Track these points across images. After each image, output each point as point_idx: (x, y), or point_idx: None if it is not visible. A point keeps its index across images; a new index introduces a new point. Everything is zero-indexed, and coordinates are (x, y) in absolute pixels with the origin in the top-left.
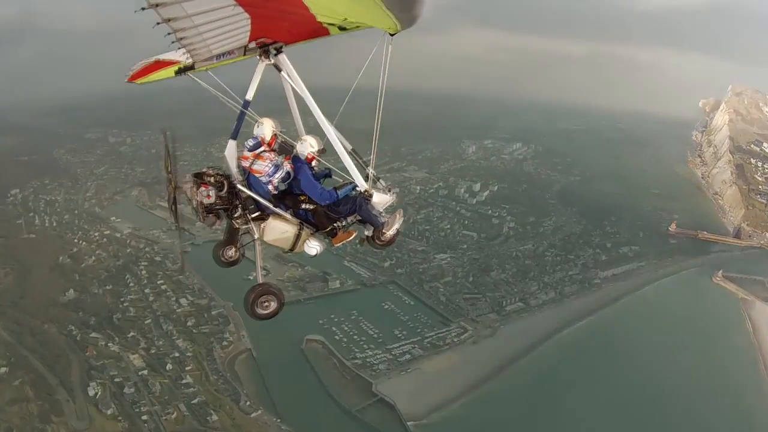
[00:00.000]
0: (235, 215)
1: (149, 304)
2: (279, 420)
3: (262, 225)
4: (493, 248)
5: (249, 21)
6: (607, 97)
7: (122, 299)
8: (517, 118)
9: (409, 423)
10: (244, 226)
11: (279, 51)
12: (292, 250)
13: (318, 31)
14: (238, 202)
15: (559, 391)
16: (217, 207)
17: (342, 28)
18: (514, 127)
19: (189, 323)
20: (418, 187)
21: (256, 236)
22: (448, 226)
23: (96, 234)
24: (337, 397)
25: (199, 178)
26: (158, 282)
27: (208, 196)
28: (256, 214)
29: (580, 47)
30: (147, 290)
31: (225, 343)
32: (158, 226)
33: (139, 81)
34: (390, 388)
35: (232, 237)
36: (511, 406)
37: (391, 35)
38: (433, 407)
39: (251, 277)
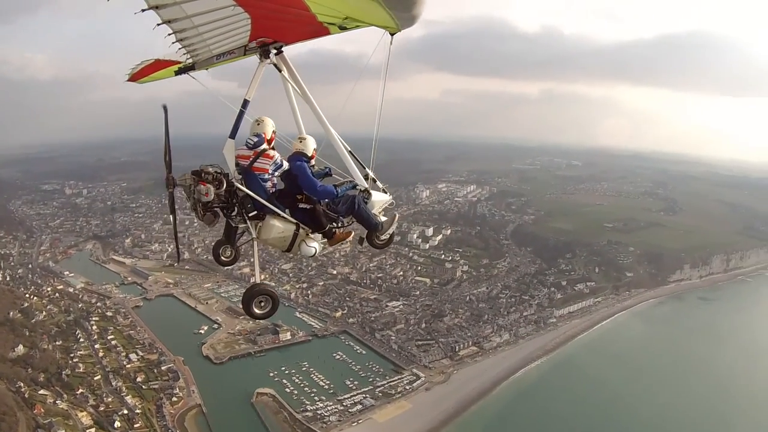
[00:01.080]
0: (233, 214)
1: (99, 359)
2: None
3: (259, 224)
4: (446, 293)
5: (249, 21)
6: (562, 134)
7: (72, 355)
8: (473, 160)
9: None
10: (241, 225)
11: (279, 51)
12: (289, 250)
13: (318, 30)
14: (235, 201)
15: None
16: (216, 205)
17: (342, 28)
18: (468, 169)
19: (139, 379)
20: None
21: (254, 235)
22: (401, 273)
23: (49, 288)
24: None
25: (198, 176)
26: (108, 337)
27: (207, 194)
28: (254, 213)
29: (534, 88)
30: (97, 345)
31: (175, 399)
32: (111, 280)
33: (140, 81)
34: None
35: (229, 236)
36: None
37: (392, 35)
38: None
39: (202, 332)
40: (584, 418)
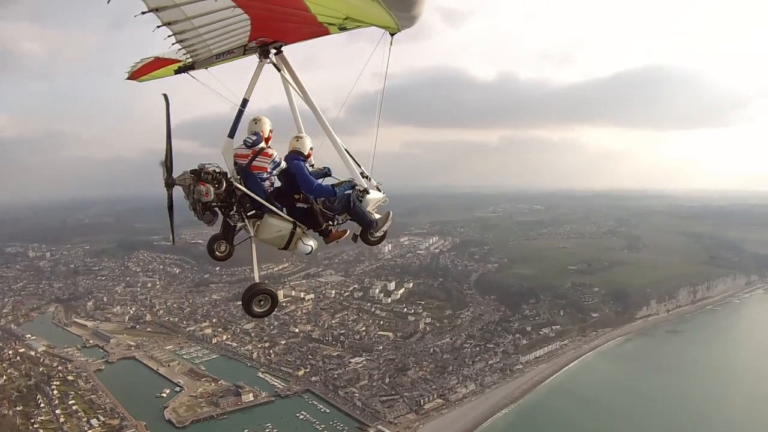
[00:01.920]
0: (231, 213)
1: (60, 425)
2: None
3: (257, 223)
4: (410, 346)
5: (249, 22)
6: (523, 179)
7: (32, 420)
8: (434, 211)
9: None
10: (240, 224)
11: (279, 51)
12: (286, 248)
13: (318, 30)
14: (234, 200)
15: None
16: (215, 205)
17: (342, 28)
18: (430, 220)
19: None
20: (333, 291)
21: (252, 234)
22: (363, 328)
23: (10, 352)
24: None
25: (197, 176)
26: (70, 402)
27: (207, 194)
28: (252, 212)
29: (494, 135)
30: (58, 411)
31: None
32: (73, 343)
33: (139, 79)
34: None
35: (226, 232)
36: None
37: (392, 35)
38: None
39: (164, 395)
40: None
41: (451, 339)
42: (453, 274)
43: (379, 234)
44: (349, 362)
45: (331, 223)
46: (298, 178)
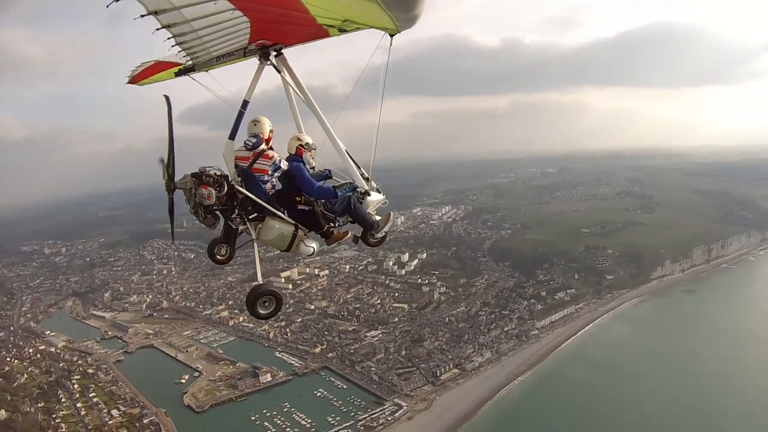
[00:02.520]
0: (233, 216)
1: (81, 418)
2: None
3: (258, 225)
4: (425, 317)
5: (248, 24)
6: (535, 144)
7: (54, 416)
8: (446, 180)
9: None
10: (241, 227)
11: (279, 53)
12: (288, 249)
13: (318, 33)
14: (236, 203)
15: None
16: (216, 208)
17: (342, 30)
18: (443, 190)
19: None
20: (348, 266)
21: (254, 236)
22: (378, 302)
23: (30, 350)
24: None
25: (199, 179)
26: (90, 395)
27: (208, 197)
28: (254, 215)
29: (503, 101)
30: (79, 404)
31: None
32: (92, 336)
33: (140, 83)
34: None
35: (227, 236)
36: None
37: (392, 36)
38: None
39: (183, 381)
40: (574, 427)
41: (466, 307)
42: (466, 242)
43: (380, 235)
44: (365, 336)
45: (332, 224)
46: (299, 180)
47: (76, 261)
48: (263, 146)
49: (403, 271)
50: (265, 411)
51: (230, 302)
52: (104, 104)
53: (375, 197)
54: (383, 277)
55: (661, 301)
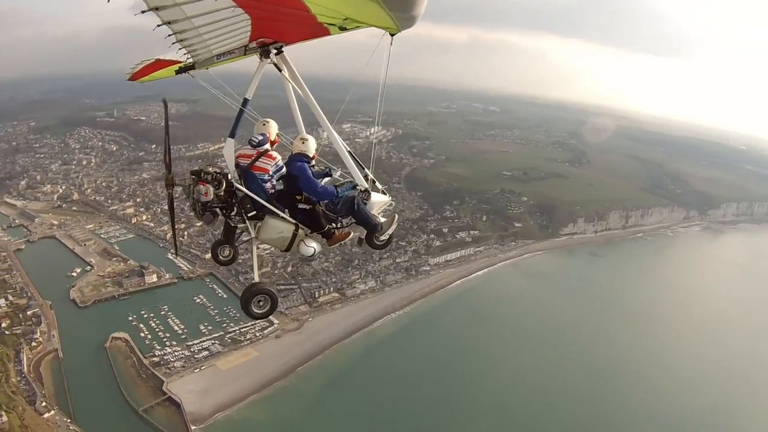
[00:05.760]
0: (232, 214)
1: None
2: (69, 420)
3: (258, 224)
4: None
5: (249, 22)
6: (488, 81)
7: None
8: (386, 101)
9: (193, 427)
10: (240, 225)
11: (279, 51)
12: (288, 249)
13: (318, 31)
14: (235, 201)
15: (357, 388)
16: (215, 205)
17: (342, 29)
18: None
19: (3, 324)
20: None
21: (253, 235)
22: None
23: None
24: (129, 396)
25: (197, 176)
26: None
27: (206, 194)
28: (253, 213)
29: (464, 34)
30: None
31: (34, 344)
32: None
33: (140, 80)
34: (180, 387)
35: (228, 235)
36: (301, 403)
37: (392, 35)
38: (219, 407)
39: (74, 274)
40: (425, 379)
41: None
42: (385, 165)
43: (384, 237)
44: (259, 247)
45: (334, 225)
46: (301, 180)
47: (1, 145)
48: (267, 146)
49: None
50: (143, 312)
51: (138, 199)
52: None
53: (380, 198)
54: None
55: (566, 259)
